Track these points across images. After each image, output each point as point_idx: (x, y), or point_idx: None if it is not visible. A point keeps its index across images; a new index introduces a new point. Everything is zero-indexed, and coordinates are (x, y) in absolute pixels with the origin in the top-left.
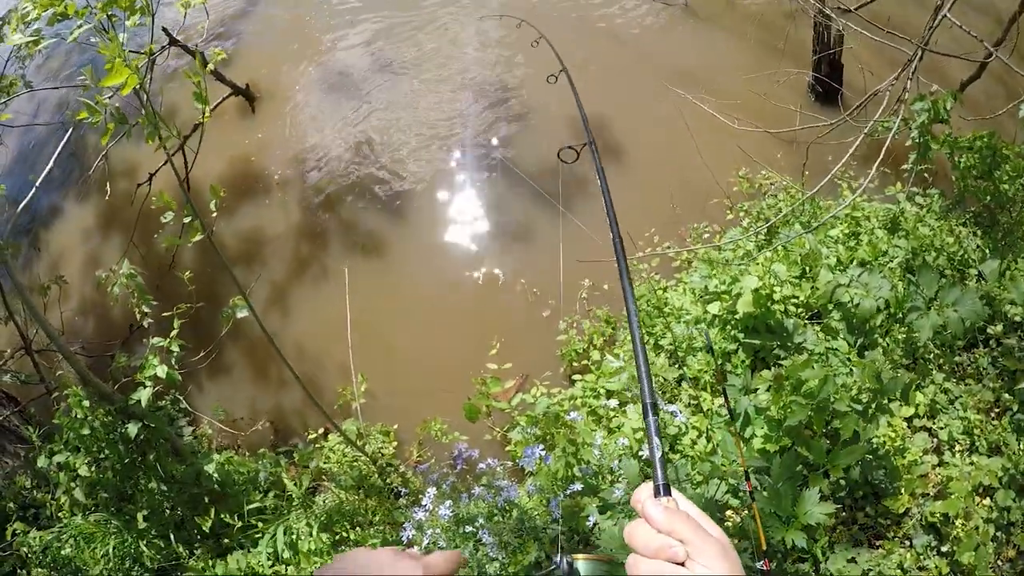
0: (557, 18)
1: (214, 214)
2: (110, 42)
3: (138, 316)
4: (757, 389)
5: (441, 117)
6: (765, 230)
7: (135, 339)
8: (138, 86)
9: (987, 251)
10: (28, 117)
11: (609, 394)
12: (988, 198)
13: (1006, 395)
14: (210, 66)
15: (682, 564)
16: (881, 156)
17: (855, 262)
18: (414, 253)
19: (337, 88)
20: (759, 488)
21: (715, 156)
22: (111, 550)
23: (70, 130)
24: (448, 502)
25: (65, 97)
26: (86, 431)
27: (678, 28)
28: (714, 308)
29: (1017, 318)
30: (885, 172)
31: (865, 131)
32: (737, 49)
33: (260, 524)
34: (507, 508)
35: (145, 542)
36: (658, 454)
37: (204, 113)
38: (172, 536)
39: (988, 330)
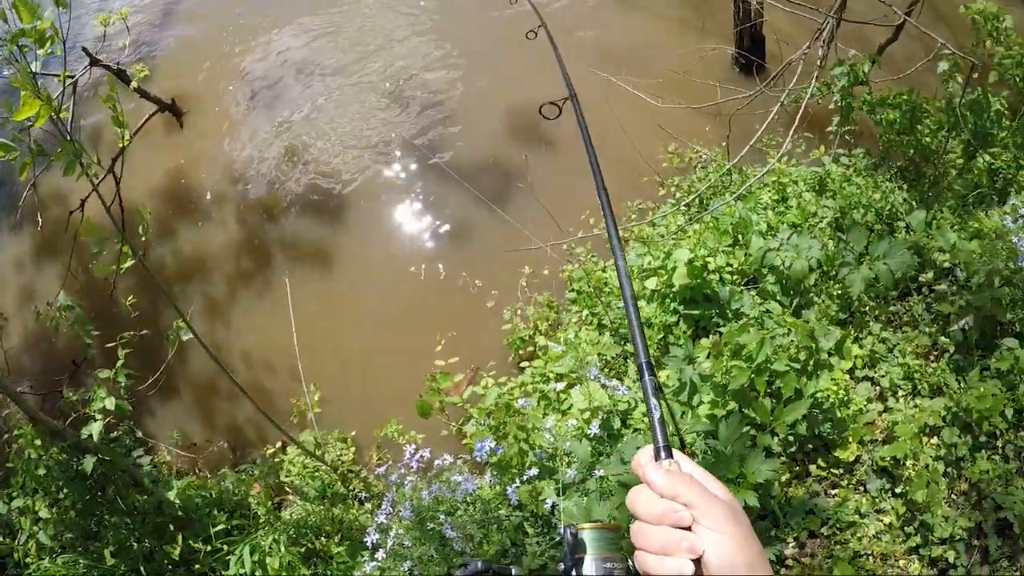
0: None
1: (143, 237)
2: (19, 74)
3: (82, 348)
4: (698, 357)
5: (373, 123)
6: (697, 202)
7: (82, 371)
8: (54, 115)
9: (913, 203)
10: None
11: (559, 377)
12: (912, 151)
13: (942, 338)
14: (133, 84)
15: (688, 528)
16: (796, 121)
17: (785, 226)
18: (354, 258)
19: (264, 98)
20: (709, 452)
21: (642, 135)
22: None
23: None
24: (408, 502)
25: None
26: (41, 471)
27: (599, 9)
28: (651, 284)
29: (946, 264)
30: (809, 137)
31: (782, 100)
32: (659, 29)
33: (227, 547)
34: (468, 501)
35: None
36: (656, 415)
37: (123, 137)
38: (143, 569)
39: (920, 278)
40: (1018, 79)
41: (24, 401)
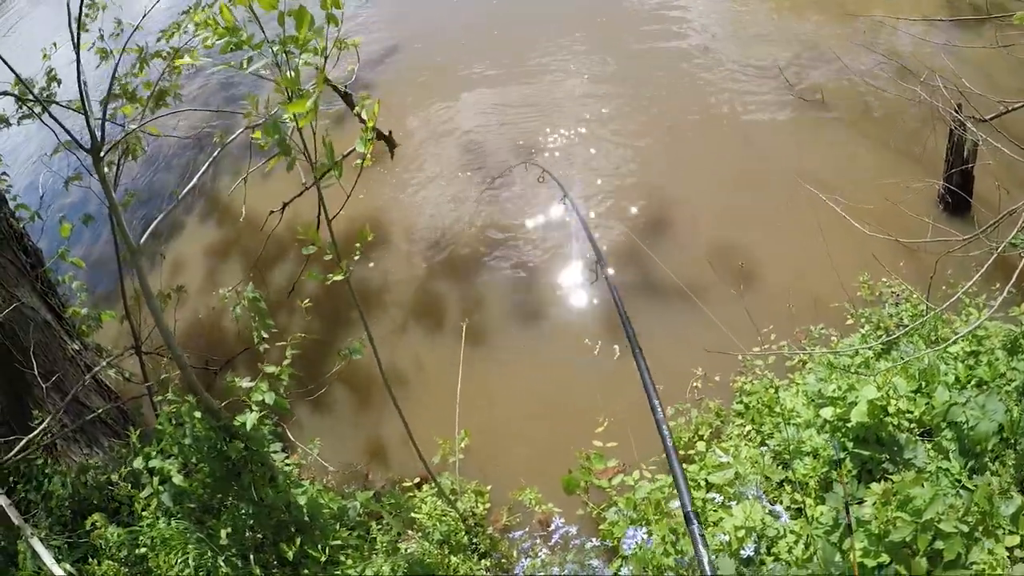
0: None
1: (356, 257)
2: (289, 75)
3: (255, 339)
4: (863, 500)
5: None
6: (884, 339)
7: (240, 360)
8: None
9: None
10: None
11: (709, 486)
12: None
13: None
14: (357, 109)
15: None
16: (1015, 277)
17: (973, 381)
18: (534, 317)
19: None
20: None
21: (838, 259)
22: (190, 559)
23: (219, 150)
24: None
25: (196, 120)
26: (188, 440)
27: (807, 125)
28: (826, 413)
29: None
30: (1010, 291)
31: (999, 248)
32: (868, 151)
33: (344, 560)
34: None
35: (223, 558)
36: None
37: (366, 154)
38: (251, 557)
39: None
40: None
41: (189, 371)
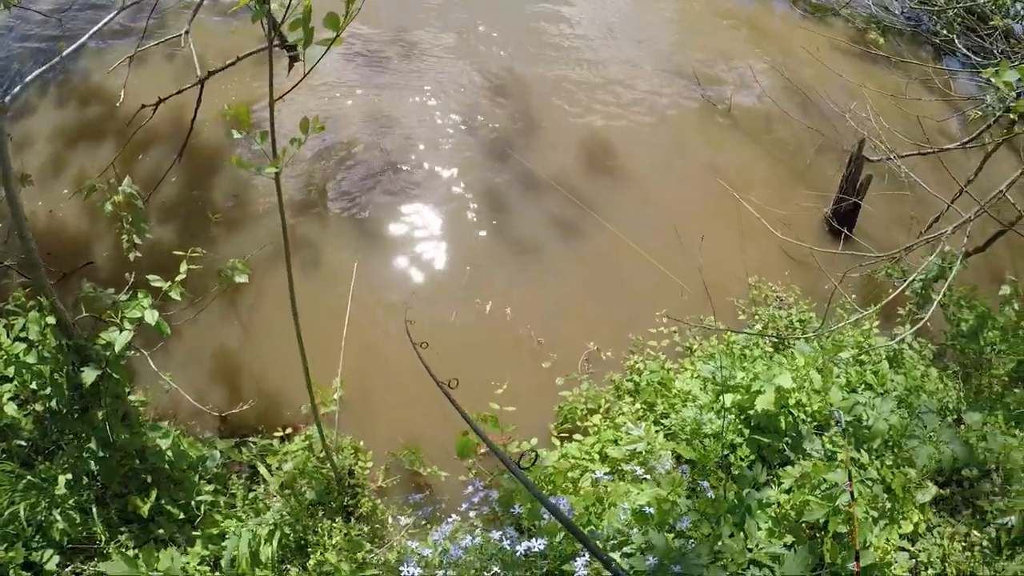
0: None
1: (297, 148)
2: None
3: (125, 246)
4: (768, 482)
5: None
6: (777, 337)
7: (86, 274)
8: None
9: (967, 403)
10: None
11: (604, 459)
12: (969, 355)
13: (975, 532)
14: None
15: None
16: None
17: (863, 385)
18: (423, 270)
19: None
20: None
21: (729, 257)
22: (20, 511)
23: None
24: (469, 538)
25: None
26: (32, 359)
27: (715, 127)
28: (728, 399)
29: (993, 466)
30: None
31: (911, 279)
32: (767, 166)
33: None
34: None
35: (60, 511)
36: None
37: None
38: (94, 511)
39: (963, 472)
40: None
41: (43, 275)
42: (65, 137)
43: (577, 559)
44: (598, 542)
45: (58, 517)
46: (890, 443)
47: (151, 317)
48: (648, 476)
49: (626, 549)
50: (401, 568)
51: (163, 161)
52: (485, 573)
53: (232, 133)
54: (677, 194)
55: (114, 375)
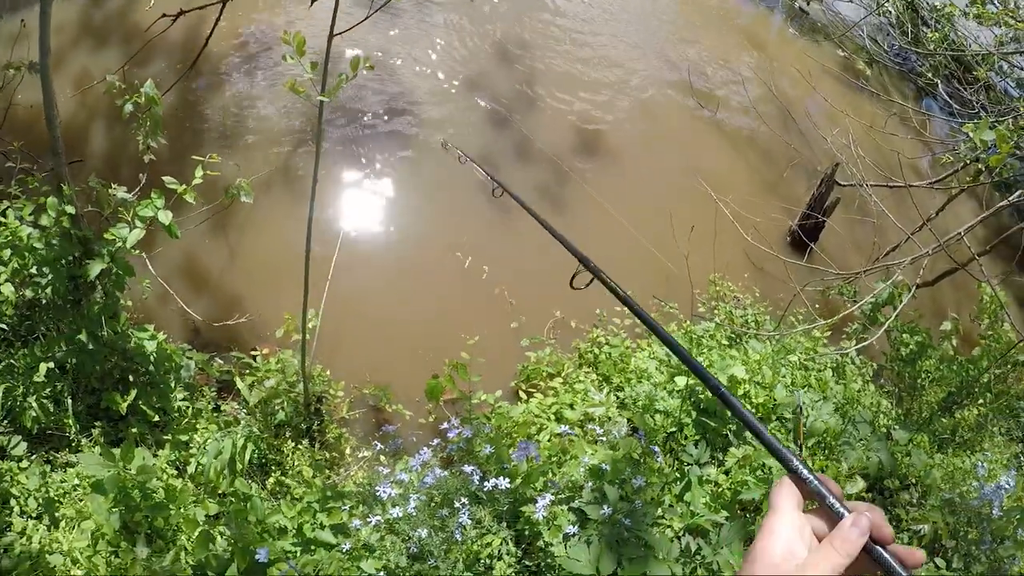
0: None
1: (350, 80)
2: None
3: (141, 149)
4: (709, 461)
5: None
6: (733, 332)
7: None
8: None
9: (897, 422)
10: None
11: (560, 418)
12: (904, 378)
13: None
14: None
15: None
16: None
17: (806, 388)
18: (409, 208)
19: None
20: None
21: (699, 251)
22: None
23: None
24: (439, 470)
25: None
26: (40, 245)
27: (701, 130)
28: (681, 382)
29: (913, 480)
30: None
31: (864, 302)
32: (744, 172)
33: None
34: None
35: (36, 399)
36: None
37: None
38: (68, 404)
39: (886, 481)
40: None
41: (63, 163)
42: (69, 33)
43: (538, 501)
44: (554, 491)
45: (33, 404)
46: (823, 444)
47: (165, 217)
48: (604, 439)
49: (584, 497)
50: (377, 488)
51: (166, 74)
52: (456, 502)
53: (285, 57)
54: (659, 185)
55: (117, 271)
